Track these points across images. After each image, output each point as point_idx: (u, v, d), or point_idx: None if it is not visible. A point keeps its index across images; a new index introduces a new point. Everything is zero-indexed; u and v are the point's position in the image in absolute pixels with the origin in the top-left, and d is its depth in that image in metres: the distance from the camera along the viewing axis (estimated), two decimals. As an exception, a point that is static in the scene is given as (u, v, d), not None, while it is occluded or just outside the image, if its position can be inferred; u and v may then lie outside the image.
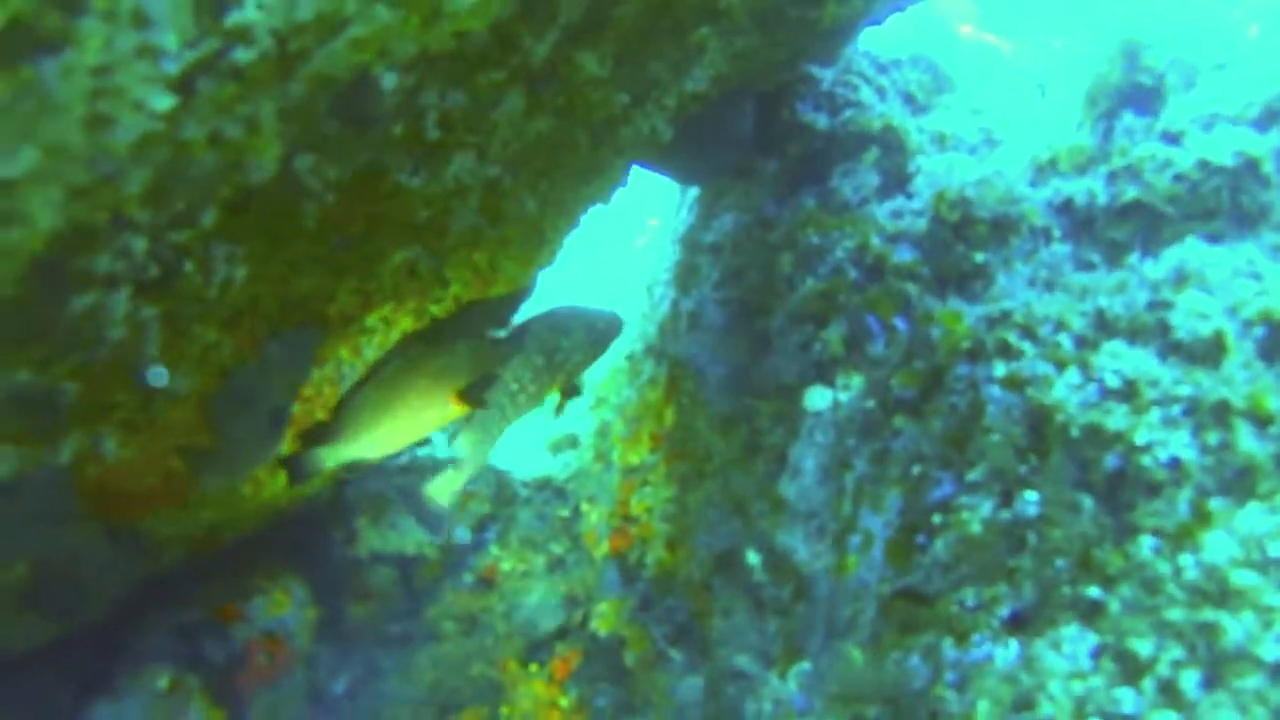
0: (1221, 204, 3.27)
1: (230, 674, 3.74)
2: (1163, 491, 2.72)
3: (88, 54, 1.40)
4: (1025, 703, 2.64)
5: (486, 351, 2.53)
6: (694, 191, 4.37)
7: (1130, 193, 3.36)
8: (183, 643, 3.67)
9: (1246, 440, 2.70)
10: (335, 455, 2.42)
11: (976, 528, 2.90)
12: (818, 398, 3.37)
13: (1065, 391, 2.93)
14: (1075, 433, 2.86)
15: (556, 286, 3.83)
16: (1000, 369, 3.06)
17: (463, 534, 4.65)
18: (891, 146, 3.83)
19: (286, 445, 2.96)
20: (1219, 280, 3.02)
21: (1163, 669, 2.54)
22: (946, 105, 4.22)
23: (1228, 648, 2.49)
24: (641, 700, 3.98)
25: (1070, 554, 2.76)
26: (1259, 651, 2.46)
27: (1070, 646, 2.66)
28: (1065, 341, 3.05)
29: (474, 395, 2.47)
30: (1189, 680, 2.51)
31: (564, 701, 4.17)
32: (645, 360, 4.42)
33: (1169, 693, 2.51)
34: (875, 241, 3.47)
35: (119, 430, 2.34)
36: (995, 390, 3.03)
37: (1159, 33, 3.76)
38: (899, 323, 3.31)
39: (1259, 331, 2.87)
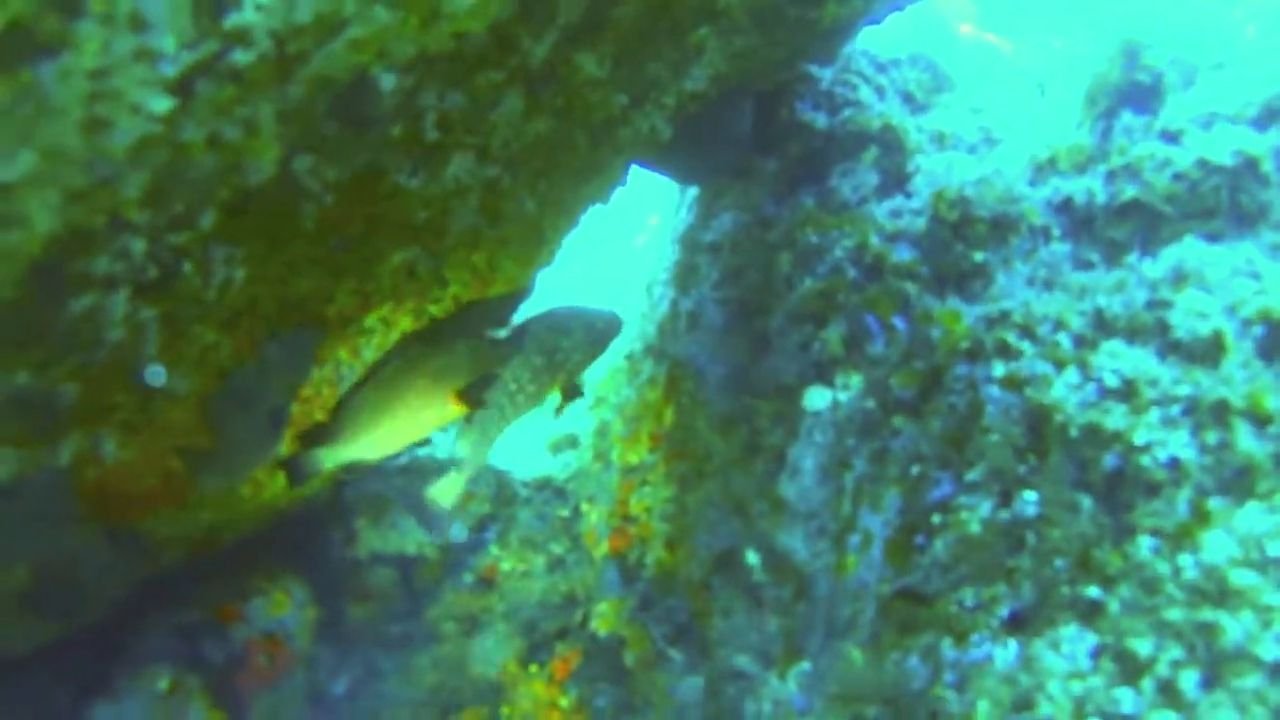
0: (1220, 203, 3.27)
1: (230, 675, 3.74)
2: (1162, 491, 2.72)
3: (85, 57, 1.40)
4: (1024, 703, 2.64)
5: (486, 352, 2.53)
6: (693, 191, 4.37)
7: (1129, 192, 3.36)
8: (183, 644, 3.67)
9: (1245, 440, 2.70)
10: (334, 456, 2.42)
11: (975, 528, 2.90)
12: (817, 397, 3.37)
13: (1064, 391, 2.93)
14: (1074, 432, 2.86)
15: (556, 286, 3.83)
16: (999, 369, 3.06)
17: (459, 532, 4.65)
18: (890, 146, 3.83)
19: (285, 446, 2.96)
20: (1218, 279, 3.02)
21: (1162, 669, 2.54)
22: (946, 104, 4.22)
23: (1227, 647, 2.49)
24: (641, 700, 3.98)
25: (1069, 554, 2.76)
26: (1258, 651, 2.46)
27: (1069, 646, 2.66)
28: (1064, 341, 3.05)
29: (473, 395, 2.47)
30: (1188, 680, 2.51)
31: (564, 702, 4.17)
32: (644, 360, 4.42)
33: (1168, 692, 2.51)
34: (874, 241, 3.47)
35: (118, 431, 2.34)
36: (994, 390, 3.03)
37: (1159, 32, 3.76)
38: (898, 322, 3.30)
39: (1258, 331, 2.87)
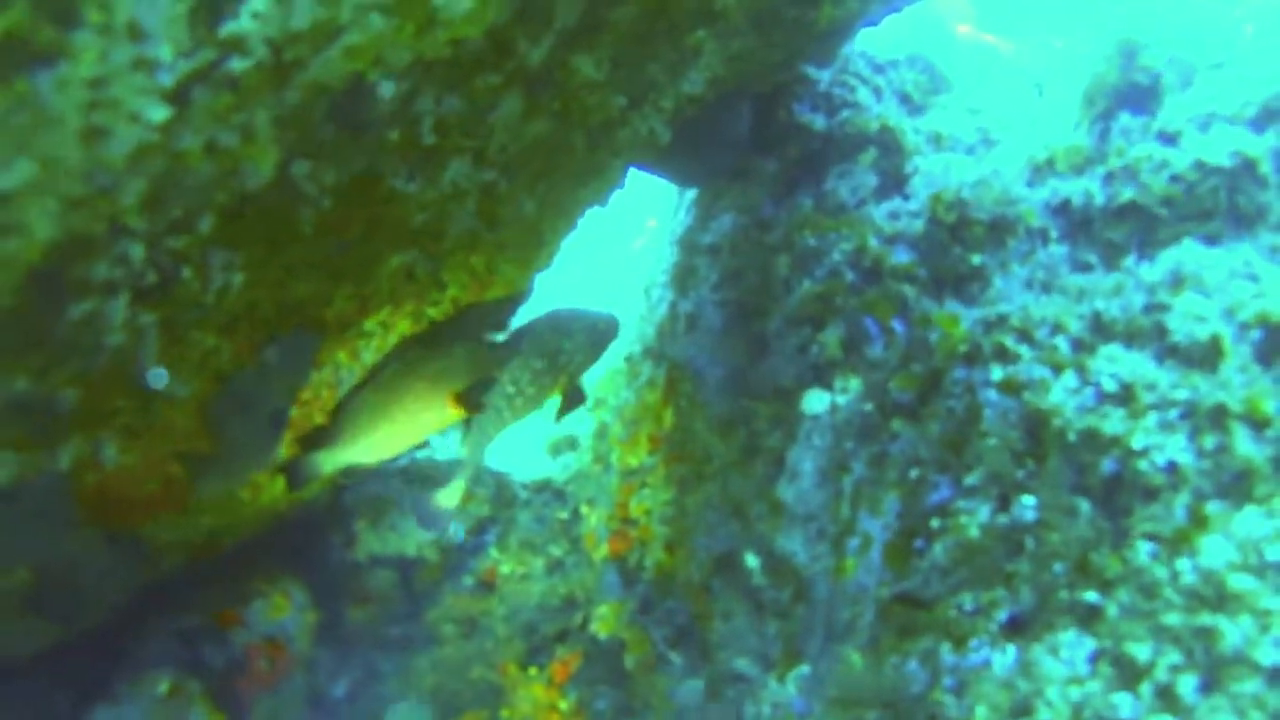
0: (1218, 205, 3.27)
1: (230, 679, 3.74)
2: (1160, 496, 2.72)
3: (83, 66, 1.40)
4: (1023, 708, 2.65)
5: (484, 355, 2.53)
6: (691, 193, 4.37)
7: (1127, 193, 3.36)
8: (183, 648, 3.67)
9: (1244, 444, 2.70)
10: (333, 460, 2.43)
11: (974, 532, 2.90)
12: (815, 400, 3.37)
13: (1062, 395, 2.93)
14: (1072, 437, 2.86)
15: (554, 289, 3.84)
16: (997, 373, 3.06)
17: (456, 530, 4.65)
18: (888, 147, 3.83)
19: (285, 450, 2.97)
20: (1216, 282, 3.01)
21: (1160, 674, 2.54)
22: (943, 105, 4.22)
23: (1225, 652, 2.49)
24: (641, 703, 3.98)
25: (1068, 558, 2.76)
26: (1256, 656, 2.46)
27: (1068, 651, 2.66)
28: (1062, 345, 3.05)
29: (471, 398, 2.47)
30: (1187, 685, 2.51)
31: (564, 704, 4.17)
32: (643, 362, 4.42)
33: (1167, 697, 2.51)
34: (872, 243, 3.47)
35: (118, 436, 2.34)
36: (992, 394, 3.03)
37: (1158, 32, 3.75)
38: (896, 325, 3.30)
39: (1256, 334, 2.87)
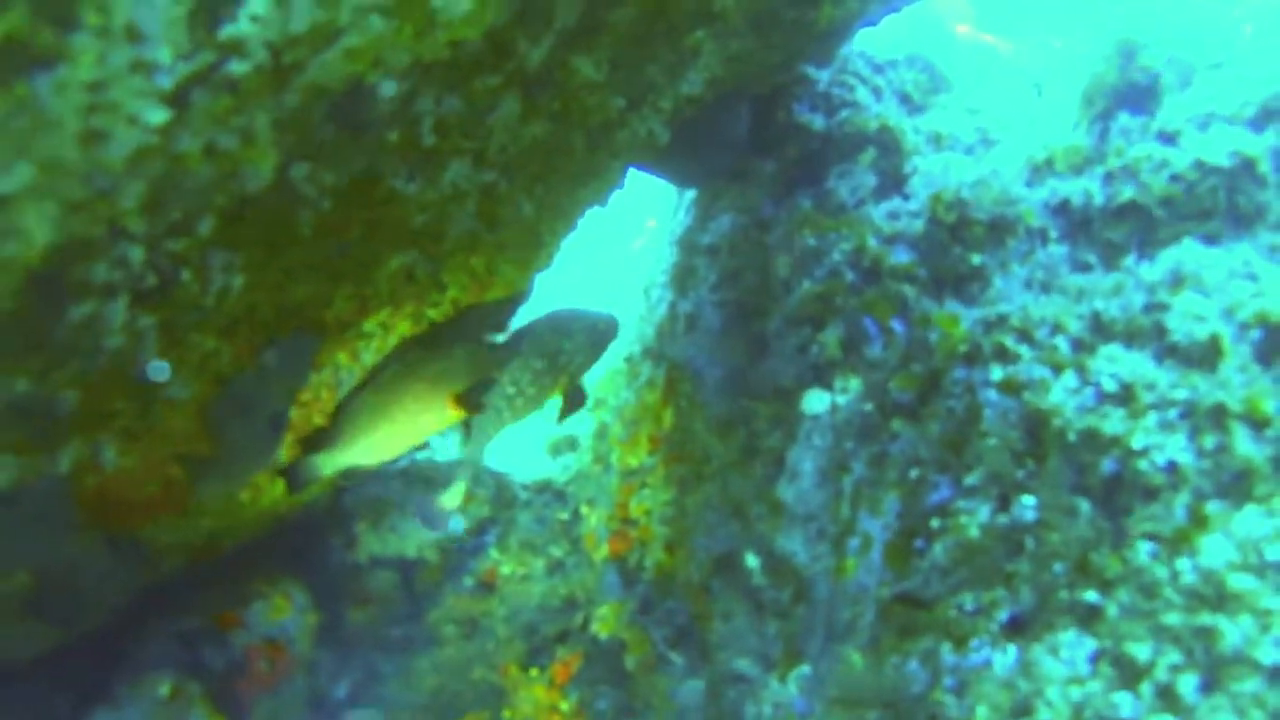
0: (1218, 204, 3.27)
1: (231, 680, 3.74)
2: (1160, 495, 2.72)
3: (81, 69, 1.40)
4: (1023, 708, 2.65)
5: (484, 356, 2.53)
6: (691, 193, 4.37)
7: (1126, 193, 3.36)
8: (183, 650, 3.67)
9: (1243, 443, 2.70)
10: (333, 462, 2.43)
11: (974, 532, 2.90)
12: (815, 400, 3.37)
13: (1062, 395, 2.93)
14: (1072, 437, 2.86)
15: (554, 289, 3.84)
16: (997, 373, 3.06)
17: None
18: (888, 147, 3.83)
19: (285, 452, 2.97)
20: (1215, 282, 3.01)
21: (1160, 673, 2.54)
22: (943, 105, 4.22)
23: (1225, 651, 2.49)
24: (642, 704, 3.98)
25: (1068, 558, 2.76)
26: (1256, 655, 2.46)
27: (1068, 651, 2.66)
28: (1062, 345, 3.05)
29: (471, 400, 2.47)
30: (1187, 684, 2.51)
31: (565, 705, 4.17)
32: (643, 362, 4.42)
33: (1167, 697, 2.52)
34: (872, 243, 3.47)
35: (118, 438, 2.34)
36: (992, 394, 3.03)
37: (1157, 32, 3.75)
38: (896, 325, 3.30)
39: (1255, 334, 2.87)
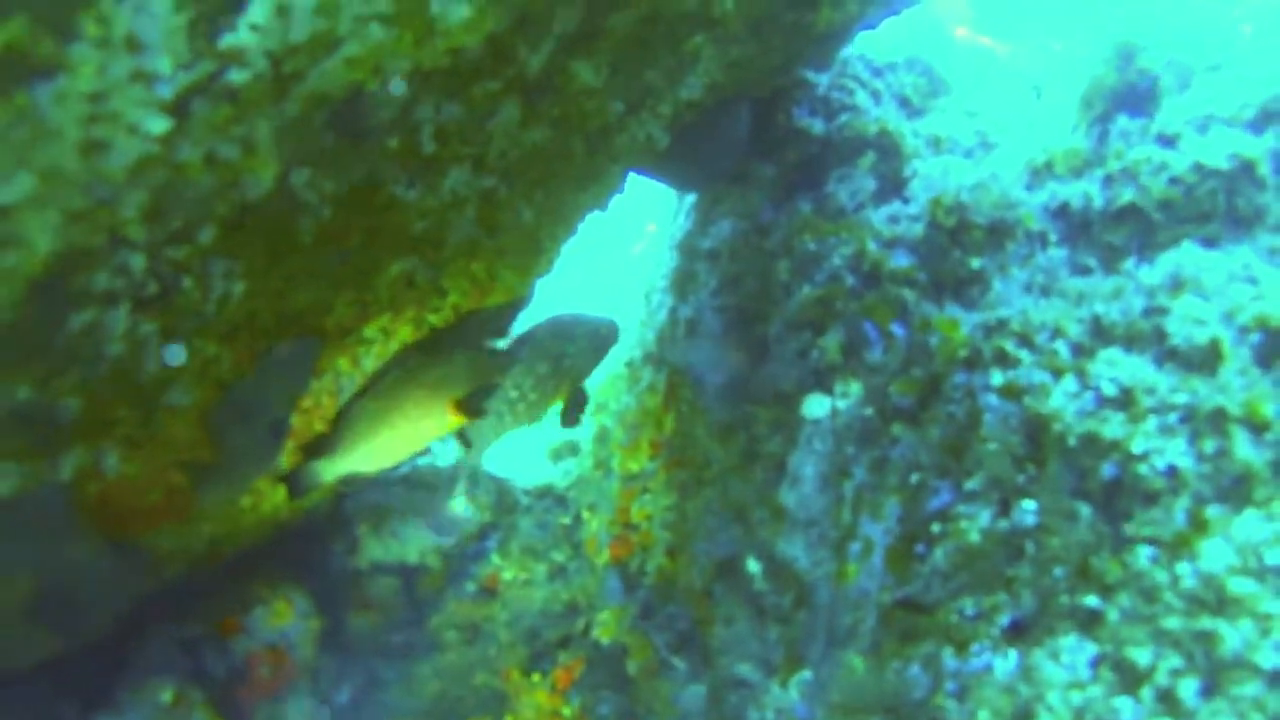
0: (1217, 207, 3.26)
1: (232, 687, 3.74)
2: (1160, 500, 2.72)
3: (82, 80, 1.41)
4: (1024, 713, 2.64)
5: (485, 361, 2.54)
6: (691, 198, 4.38)
7: (1126, 196, 3.36)
8: (185, 657, 3.68)
9: (1243, 447, 2.69)
10: (334, 468, 2.43)
11: (975, 537, 2.90)
12: (816, 405, 3.37)
13: (1062, 400, 2.93)
14: (1072, 441, 2.85)
15: (554, 294, 3.84)
16: (997, 377, 3.05)
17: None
18: (887, 151, 3.83)
19: (286, 458, 2.97)
20: (1215, 285, 3.01)
21: (1161, 678, 2.54)
22: (942, 108, 4.22)
23: (1226, 656, 2.49)
24: (644, 709, 3.98)
25: (1068, 563, 2.75)
26: (1257, 659, 2.46)
27: (1069, 656, 2.66)
28: (1062, 349, 3.05)
29: (472, 405, 2.48)
30: (1187, 689, 2.51)
31: (567, 710, 4.17)
32: (644, 367, 4.42)
33: (1168, 701, 2.51)
34: (872, 247, 3.47)
35: (120, 446, 2.34)
36: (993, 399, 3.03)
37: (1156, 34, 3.75)
38: (896, 329, 3.30)
39: (1255, 338, 2.87)
